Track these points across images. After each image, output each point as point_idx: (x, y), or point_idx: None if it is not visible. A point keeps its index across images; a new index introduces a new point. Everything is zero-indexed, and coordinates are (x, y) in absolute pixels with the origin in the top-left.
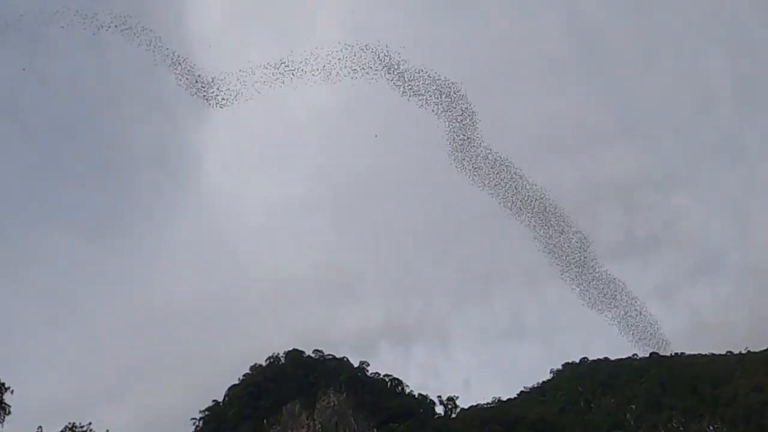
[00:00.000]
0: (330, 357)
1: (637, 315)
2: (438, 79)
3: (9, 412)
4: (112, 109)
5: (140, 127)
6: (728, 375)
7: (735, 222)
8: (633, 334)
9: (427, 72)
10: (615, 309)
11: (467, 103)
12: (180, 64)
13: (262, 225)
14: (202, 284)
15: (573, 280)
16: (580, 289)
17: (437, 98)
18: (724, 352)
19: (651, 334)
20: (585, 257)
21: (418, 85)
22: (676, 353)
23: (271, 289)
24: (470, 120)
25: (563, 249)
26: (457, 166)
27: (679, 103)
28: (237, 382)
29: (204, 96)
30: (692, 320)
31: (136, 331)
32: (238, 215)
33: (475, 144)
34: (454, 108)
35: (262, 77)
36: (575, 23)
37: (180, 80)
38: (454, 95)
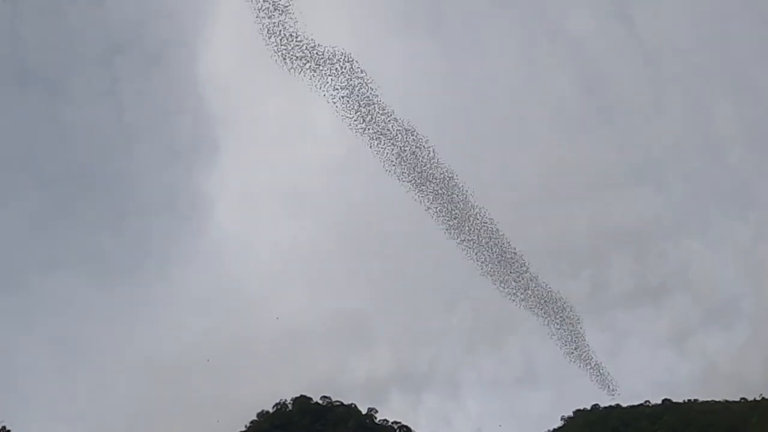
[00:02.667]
0: (338, 404)
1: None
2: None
3: None
4: (126, 156)
5: (153, 173)
6: (743, 422)
7: (747, 268)
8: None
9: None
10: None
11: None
12: None
13: (273, 271)
14: (213, 330)
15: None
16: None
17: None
18: (738, 399)
19: (600, 379)
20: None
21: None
22: (689, 400)
23: (281, 336)
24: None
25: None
26: (442, 227)
27: (688, 150)
28: (244, 429)
29: None
30: (706, 367)
31: (146, 378)
32: (249, 261)
33: (462, 203)
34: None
35: None
36: (583, 72)
37: None
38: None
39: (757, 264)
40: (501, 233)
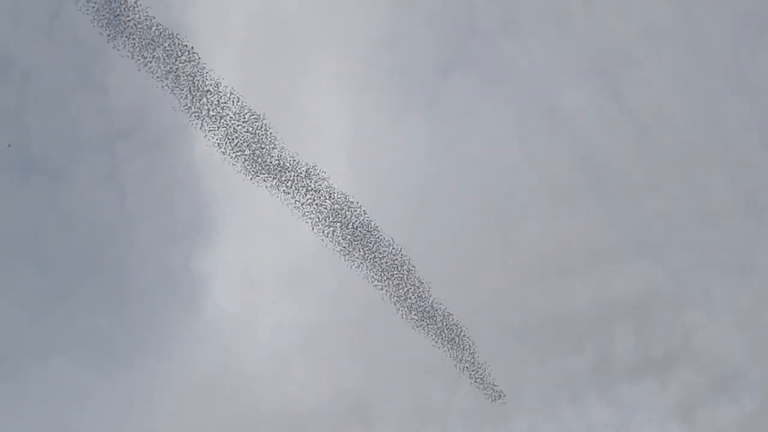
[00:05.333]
0: None
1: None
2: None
3: None
4: (125, 238)
5: (152, 255)
6: None
7: (752, 337)
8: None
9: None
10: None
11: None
12: None
13: (273, 351)
14: (211, 414)
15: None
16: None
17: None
18: None
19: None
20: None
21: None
22: None
23: (282, 418)
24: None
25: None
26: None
27: (685, 221)
28: None
29: None
30: None
31: None
32: (249, 342)
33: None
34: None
35: None
36: (578, 147)
37: None
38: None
39: (761, 332)
40: (462, 326)
